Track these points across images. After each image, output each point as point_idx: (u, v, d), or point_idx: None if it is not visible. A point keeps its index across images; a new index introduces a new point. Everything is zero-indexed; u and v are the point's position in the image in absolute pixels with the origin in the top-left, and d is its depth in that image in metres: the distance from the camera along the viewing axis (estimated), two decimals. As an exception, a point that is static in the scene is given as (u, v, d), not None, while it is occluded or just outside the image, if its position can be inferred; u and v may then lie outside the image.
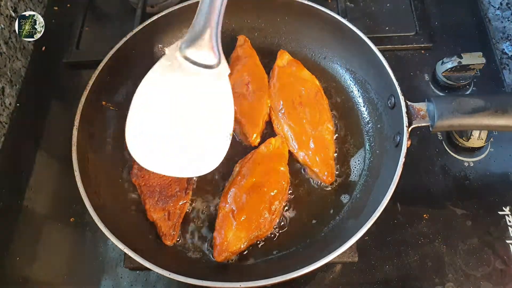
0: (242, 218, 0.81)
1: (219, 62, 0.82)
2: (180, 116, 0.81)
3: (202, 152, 0.81)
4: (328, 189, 0.89)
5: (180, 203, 0.85)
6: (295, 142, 0.91)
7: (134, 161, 0.88)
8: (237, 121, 0.91)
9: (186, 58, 0.80)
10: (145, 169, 0.87)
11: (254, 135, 0.92)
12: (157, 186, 0.87)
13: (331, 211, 0.87)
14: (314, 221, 0.86)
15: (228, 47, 1.01)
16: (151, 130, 0.80)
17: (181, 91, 0.82)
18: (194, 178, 0.90)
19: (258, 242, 0.84)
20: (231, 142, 0.82)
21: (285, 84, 0.96)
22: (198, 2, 0.97)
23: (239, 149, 0.93)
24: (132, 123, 0.79)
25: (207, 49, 0.80)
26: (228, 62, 0.95)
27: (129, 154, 0.91)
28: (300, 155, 0.90)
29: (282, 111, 0.94)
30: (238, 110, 0.90)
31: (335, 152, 0.92)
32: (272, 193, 0.84)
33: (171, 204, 0.85)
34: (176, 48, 0.81)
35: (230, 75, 0.88)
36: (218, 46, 0.80)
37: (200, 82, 0.82)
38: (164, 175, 0.87)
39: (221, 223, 0.82)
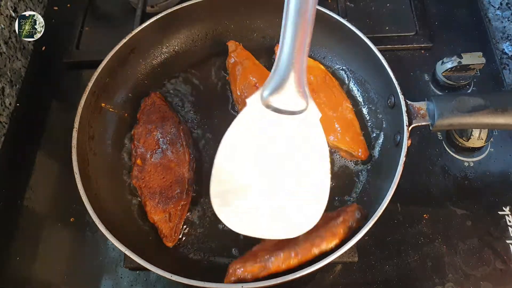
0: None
1: (307, 105, 0.71)
2: (269, 171, 0.72)
3: (298, 210, 0.72)
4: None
5: (181, 205, 0.85)
6: None
7: (135, 163, 0.88)
8: None
9: (270, 107, 0.71)
10: (146, 170, 0.87)
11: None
12: (157, 187, 0.86)
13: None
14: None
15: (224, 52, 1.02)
16: (238, 188, 0.72)
17: (268, 144, 0.72)
18: (196, 178, 0.90)
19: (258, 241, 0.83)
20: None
21: None
22: (198, 3, 0.99)
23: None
24: (217, 181, 0.72)
25: (294, 94, 0.69)
26: (225, 71, 0.96)
27: (129, 156, 0.92)
28: (330, 140, 0.90)
29: None
30: None
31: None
32: None
33: (172, 206, 0.85)
34: (258, 97, 0.71)
35: (235, 81, 0.87)
36: (306, 89, 0.70)
37: (289, 131, 0.72)
38: (165, 177, 0.87)
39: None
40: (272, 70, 0.69)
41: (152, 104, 0.95)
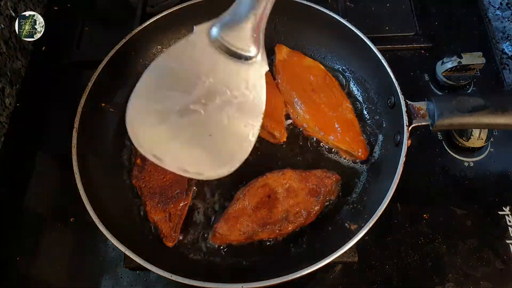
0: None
1: (257, 54, 0.69)
2: (199, 107, 0.69)
3: (217, 153, 0.70)
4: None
5: (181, 205, 0.85)
6: (320, 128, 0.92)
7: (135, 163, 0.88)
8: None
9: (217, 42, 0.68)
10: (146, 170, 0.87)
11: (281, 132, 0.92)
12: (157, 187, 0.86)
13: (332, 212, 0.87)
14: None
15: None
16: (160, 113, 0.69)
17: (205, 76, 0.69)
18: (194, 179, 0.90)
19: (258, 243, 0.84)
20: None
21: (292, 76, 0.97)
22: (198, 3, 0.98)
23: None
24: (139, 100, 0.69)
25: (247, 36, 0.67)
26: None
27: (128, 156, 0.92)
28: (330, 139, 0.91)
29: (298, 103, 0.94)
30: None
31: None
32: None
33: (172, 206, 0.85)
34: (208, 27, 0.69)
35: None
36: (261, 37, 0.69)
37: (229, 72, 0.69)
38: (165, 177, 0.87)
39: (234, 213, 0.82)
40: (232, 6, 0.68)
41: None
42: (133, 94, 0.70)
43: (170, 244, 0.83)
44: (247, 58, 0.69)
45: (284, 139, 0.92)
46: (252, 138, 0.70)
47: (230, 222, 0.82)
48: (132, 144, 0.89)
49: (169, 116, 0.69)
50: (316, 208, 0.83)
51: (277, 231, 0.82)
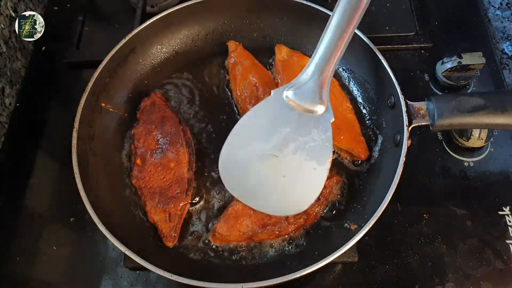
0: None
1: (324, 110, 0.83)
2: (276, 153, 0.82)
3: (291, 194, 0.82)
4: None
5: (181, 205, 0.85)
6: None
7: (135, 163, 0.88)
8: None
9: (290, 101, 0.83)
10: (146, 170, 0.87)
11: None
12: (157, 188, 0.86)
13: (332, 212, 0.87)
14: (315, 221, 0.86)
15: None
16: (246, 159, 0.83)
17: (281, 127, 0.83)
18: (196, 178, 0.90)
19: (258, 243, 0.84)
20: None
21: (292, 75, 0.96)
22: (198, 3, 0.99)
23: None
24: (229, 149, 0.83)
25: (315, 94, 0.82)
26: (225, 70, 0.96)
27: (128, 156, 0.92)
28: None
29: None
30: None
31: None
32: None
33: (172, 206, 0.84)
34: (282, 90, 0.84)
35: (235, 81, 0.90)
36: (327, 95, 0.83)
37: (302, 125, 0.83)
38: (165, 177, 0.87)
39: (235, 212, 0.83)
40: (302, 71, 0.84)
41: (152, 104, 0.95)
42: (225, 145, 0.84)
43: (170, 244, 0.83)
44: (315, 112, 0.83)
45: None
46: (321, 181, 0.81)
47: (230, 223, 0.82)
48: (132, 144, 0.91)
49: (253, 161, 0.83)
50: (316, 209, 0.83)
51: (277, 232, 0.82)
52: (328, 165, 0.81)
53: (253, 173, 0.83)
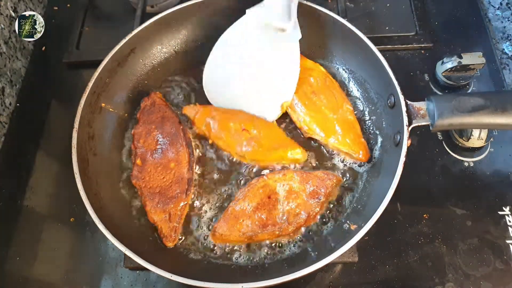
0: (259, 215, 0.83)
1: (291, 27, 0.91)
2: (252, 69, 0.94)
3: (266, 102, 0.94)
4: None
5: (181, 205, 0.85)
6: (320, 130, 0.92)
7: (134, 163, 0.88)
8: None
9: (262, 20, 0.91)
10: (146, 170, 0.87)
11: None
12: (157, 187, 0.86)
13: (332, 212, 0.87)
14: (317, 220, 0.86)
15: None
16: (225, 78, 0.95)
17: (256, 46, 0.94)
18: (196, 178, 0.90)
19: (258, 244, 0.84)
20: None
21: None
22: (198, 3, 0.99)
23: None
24: (210, 69, 0.96)
25: (286, 15, 0.90)
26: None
27: (128, 156, 0.92)
28: (330, 142, 0.91)
29: (299, 105, 0.94)
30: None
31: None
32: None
33: (172, 206, 0.84)
34: (256, 10, 0.92)
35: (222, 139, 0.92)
36: (294, 13, 0.90)
37: (274, 40, 0.92)
38: (165, 177, 0.87)
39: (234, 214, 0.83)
40: None
41: (152, 104, 0.95)
42: (207, 64, 0.97)
43: (170, 245, 0.83)
44: (284, 30, 0.91)
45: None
46: (292, 89, 0.93)
47: (230, 222, 0.82)
48: (132, 144, 0.91)
49: (232, 77, 0.95)
50: (317, 209, 0.83)
51: (277, 232, 0.82)
52: (296, 78, 0.93)
53: (232, 88, 0.95)
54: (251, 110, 0.95)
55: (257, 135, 0.90)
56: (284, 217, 0.82)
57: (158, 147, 0.89)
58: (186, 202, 0.85)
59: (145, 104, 0.95)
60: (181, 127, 0.92)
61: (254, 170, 0.90)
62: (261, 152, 0.89)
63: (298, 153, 0.89)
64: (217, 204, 0.88)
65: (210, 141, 0.93)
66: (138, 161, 0.89)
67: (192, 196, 0.88)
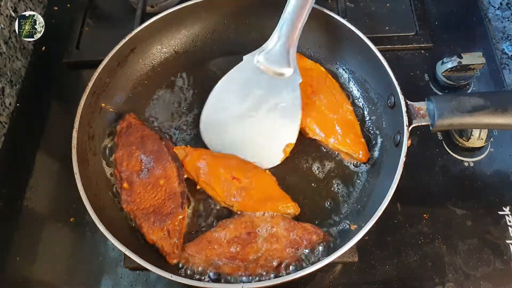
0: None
1: (292, 72, 0.91)
2: (251, 113, 0.92)
3: (265, 150, 0.91)
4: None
5: (178, 219, 0.82)
6: (320, 130, 0.92)
7: (122, 188, 0.85)
8: None
9: (261, 65, 0.92)
10: (135, 192, 0.84)
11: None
12: (150, 207, 0.83)
13: (332, 212, 0.87)
14: (316, 222, 0.85)
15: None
16: (223, 122, 0.93)
17: (254, 90, 0.92)
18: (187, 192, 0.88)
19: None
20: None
21: None
22: (198, 3, 0.99)
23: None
24: (208, 113, 0.94)
25: (283, 58, 0.91)
26: (225, 71, 0.96)
27: (113, 177, 0.89)
28: (330, 142, 0.91)
29: None
30: None
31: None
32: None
33: (169, 222, 0.81)
34: (253, 55, 0.92)
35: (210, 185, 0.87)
36: (293, 58, 0.91)
37: (272, 87, 0.92)
38: (157, 195, 0.84)
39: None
40: (270, 39, 0.92)
41: (128, 126, 0.92)
42: (205, 108, 0.94)
43: (173, 262, 0.80)
44: (284, 75, 0.91)
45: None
46: (293, 137, 0.91)
47: (200, 245, 0.80)
48: (115, 172, 0.88)
49: (230, 122, 0.93)
50: (290, 261, 0.78)
51: (242, 270, 0.78)
52: (298, 122, 0.91)
53: (231, 133, 0.92)
54: (252, 156, 0.90)
55: (247, 185, 0.85)
56: (255, 257, 0.79)
57: (143, 167, 0.87)
58: (183, 216, 0.83)
59: (121, 127, 0.92)
60: (163, 142, 0.89)
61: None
62: (251, 204, 0.84)
63: (289, 207, 0.84)
64: (216, 214, 0.87)
65: (198, 187, 0.88)
66: (125, 185, 0.85)
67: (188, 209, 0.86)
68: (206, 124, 0.94)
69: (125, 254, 0.73)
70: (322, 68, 0.99)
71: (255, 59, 0.92)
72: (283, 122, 0.91)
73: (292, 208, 0.84)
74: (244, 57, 0.92)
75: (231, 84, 0.94)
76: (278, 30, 0.91)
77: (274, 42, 0.91)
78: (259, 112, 0.92)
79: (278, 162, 0.91)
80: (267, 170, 0.90)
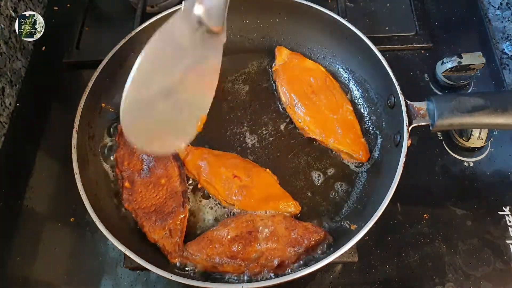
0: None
1: (222, 31, 0.78)
2: (177, 86, 0.75)
3: (177, 129, 0.78)
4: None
5: (179, 218, 0.82)
6: (320, 130, 0.92)
7: (123, 186, 0.86)
8: None
9: (201, 19, 0.73)
10: (136, 192, 0.84)
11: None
12: (152, 206, 0.83)
13: (332, 212, 0.87)
14: (316, 222, 0.86)
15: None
16: (148, 103, 0.73)
17: (185, 56, 0.76)
18: (189, 191, 0.88)
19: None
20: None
21: (292, 78, 0.97)
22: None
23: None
24: (130, 93, 0.71)
25: (221, 18, 0.76)
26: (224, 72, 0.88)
27: (114, 177, 0.89)
28: (330, 142, 0.91)
29: (299, 105, 0.94)
30: None
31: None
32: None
33: (171, 221, 0.82)
34: (194, 4, 0.73)
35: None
36: (225, 15, 0.77)
37: (203, 47, 0.77)
38: (158, 194, 0.84)
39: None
40: None
41: None
42: (127, 85, 0.71)
43: (175, 261, 0.80)
44: (217, 32, 0.76)
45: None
46: (207, 107, 0.79)
47: (201, 244, 0.80)
48: (117, 171, 0.88)
49: (157, 101, 0.73)
50: (291, 260, 0.78)
51: (243, 269, 0.78)
52: (214, 91, 0.79)
53: (156, 116, 0.75)
54: (170, 134, 0.78)
55: (248, 183, 0.85)
56: (256, 256, 0.79)
57: (144, 166, 0.87)
58: (184, 215, 0.83)
59: None
60: None
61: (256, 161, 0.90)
62: (252, 203, 0.84)
63: (290, 206, 0.85)
64: (217, 213, 0.87)
65: (199, 185, 0.88)
66: (127, 184, 0.86)
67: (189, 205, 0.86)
68: (128, 109, 0.70)
69: (125, 254, 0.73)
70: (322, 68, 0.99)
71: (195, 9, 0.72)
72: (200, 90, 0.79)
73: (293, 207, 0.85)
74: (184, 3, 0.73)
75: (162, 46, 0.74)
76: None
77: None
78: (184, 82, 0.76)
79: (191, 139, 0.79)
80: (268, 169, 0.89)
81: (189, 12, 0.73)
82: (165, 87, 0.74)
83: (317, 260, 0.72)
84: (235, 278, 0.78)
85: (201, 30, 0.75)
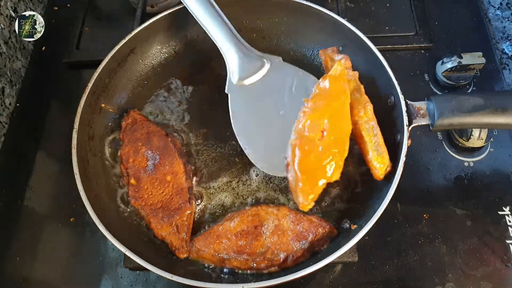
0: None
1: (268, 61, 0.91)
2: (275, 117, 0.88)
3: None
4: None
5: (186, 214, 0.83)
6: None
7: (129, 183, 0.86)
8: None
9: (243, 82, 0.90)
10: (142, 188, 0.85)
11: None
12: (158, 203, 0.84)
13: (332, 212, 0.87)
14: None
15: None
16: (253, 131, 0.87)
17: (264, 99, 0.89)
18: (194, 185, 0.89)
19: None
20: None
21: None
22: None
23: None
24: (248, 146, 0.86)
25: (252, 60, 0.90)
26: (225, 72, 0.93)
27: (115, 176, 0.90)
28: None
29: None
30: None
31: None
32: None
33: (178, 217, 0.82)
34: (230, 84, 0.90)
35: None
36: (255, 51, 0.91)
37: (270, 82, 0.90)
38: (164, 190, 0.85)
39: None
40: (225, 59, 0.90)
41: (133, 122, 0.92)
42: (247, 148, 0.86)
43: (183, 256, 0.80)
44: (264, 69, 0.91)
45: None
46: None
47: (208, 239, 0.80)
48: (122, 168, 0.89)
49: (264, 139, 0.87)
50: (297, 254, 0.79)
51: (250, 264, 0.78)
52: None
53: (269, 145, 0.86)
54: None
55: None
56: (262, 251, 0.79)
57: (149, 162, 0.87)
58: (191, 211, 0.84)
59: (126, 123, 0.93)
60: (169, 139, 0.90)
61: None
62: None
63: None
64: (220, 210, 0.87)
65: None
66: (133, 181, 0.86)
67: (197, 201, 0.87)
68: (255, 155, 0.86)
69: (125, 254, 0.73)
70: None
71: (237, 84, 0.89)
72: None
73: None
74: (227, 91, 0.89)
75: (242, 113, 0.89)
76: (227, 45, 0.90)
77: (235, 55, 0.90)
78: (283, 112, 0.88)
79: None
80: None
81: (235, 88, 0.89)
82: (265, 121, 0.88)
83: (318, 260, 0.72)
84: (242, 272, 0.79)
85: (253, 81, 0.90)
